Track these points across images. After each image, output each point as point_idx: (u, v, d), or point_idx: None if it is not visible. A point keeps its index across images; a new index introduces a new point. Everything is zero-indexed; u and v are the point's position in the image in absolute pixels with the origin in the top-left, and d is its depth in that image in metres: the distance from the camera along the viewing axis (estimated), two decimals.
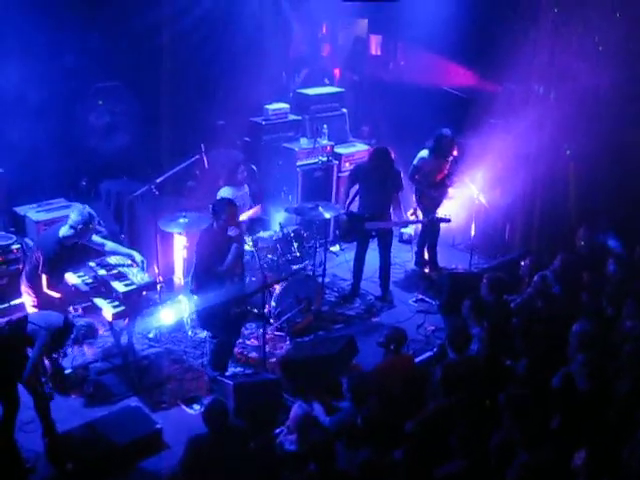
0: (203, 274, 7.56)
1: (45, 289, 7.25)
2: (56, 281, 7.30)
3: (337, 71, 13.20)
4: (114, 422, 6.89)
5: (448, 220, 9.48)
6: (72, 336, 6.72)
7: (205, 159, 8.99)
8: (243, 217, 8.93)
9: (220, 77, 10.97)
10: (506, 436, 5.31)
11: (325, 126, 11.10)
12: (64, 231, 7.31)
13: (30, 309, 7.31)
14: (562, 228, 9.73)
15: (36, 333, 6.44)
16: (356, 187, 9.49)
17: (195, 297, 7.79)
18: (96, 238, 7.80)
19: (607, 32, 9.50)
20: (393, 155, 9.24)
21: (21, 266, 7.75)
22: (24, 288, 7.43)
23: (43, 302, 7.28)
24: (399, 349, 7.13)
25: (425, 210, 9.93)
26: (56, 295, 7.29)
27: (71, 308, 7.46)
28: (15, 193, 8.88)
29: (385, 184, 9.17)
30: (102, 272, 7.68)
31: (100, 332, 8.31)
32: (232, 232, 7.59)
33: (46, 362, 6.98)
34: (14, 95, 8.45)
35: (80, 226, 7.27)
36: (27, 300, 7.40)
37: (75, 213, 7.31)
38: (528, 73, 10.09)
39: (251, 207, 9.40)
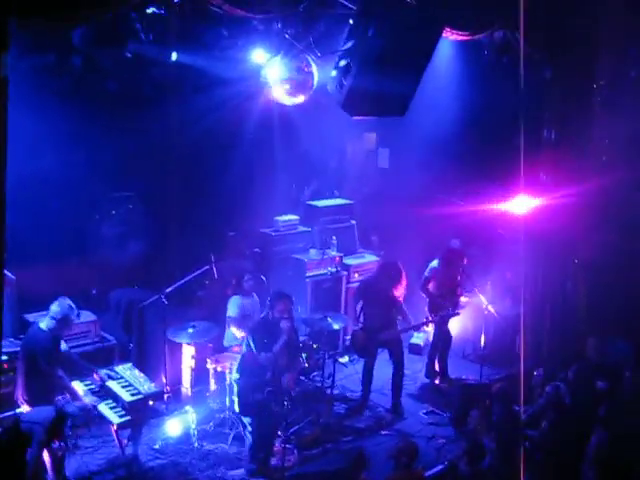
0: (250, 360, 7.91)
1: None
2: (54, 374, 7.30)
3: None
4: None
5: (457, 313, 9.84)
6: (68, 424, 6.62)
7: (215, 269, 9.05)
8: None
9: (231, 189, 11.14)
10: None
11: (334, 237, 11.20)
12: (46, 323, 7.41)
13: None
14: (572, 338, 9.66)
15: (31, 430, 6.42)
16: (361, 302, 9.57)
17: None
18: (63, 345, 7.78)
19: None
20: (401, 269, 9.38)
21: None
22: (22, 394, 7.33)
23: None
24: (411, 463, 6.94)
25: (437, 321, 9.92)
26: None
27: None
28: (27, 300, 8.87)
29: (389, 297, 9.31)
30: (109, 381, 7.69)
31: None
32: (283, 324, 7.92)
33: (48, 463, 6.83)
34: (28, 203, 8.55)
35: (59, 316, 7.40)
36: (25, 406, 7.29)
37: (55, 305, 7.47)
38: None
39: None
